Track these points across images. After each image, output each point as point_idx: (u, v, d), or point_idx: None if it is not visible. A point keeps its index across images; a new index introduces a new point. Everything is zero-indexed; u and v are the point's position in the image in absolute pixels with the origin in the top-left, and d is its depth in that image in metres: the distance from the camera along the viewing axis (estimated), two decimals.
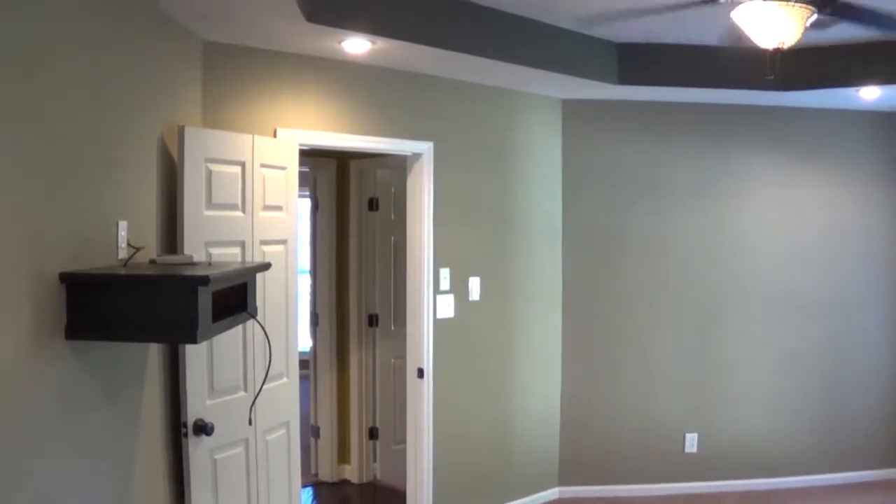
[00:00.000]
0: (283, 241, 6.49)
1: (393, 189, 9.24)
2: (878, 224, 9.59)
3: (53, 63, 3.73)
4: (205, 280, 3.84)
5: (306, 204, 9.92)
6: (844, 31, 7.35)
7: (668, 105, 9.24)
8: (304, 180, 8.08)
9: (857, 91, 8.33)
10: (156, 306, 3.91)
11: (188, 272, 4.05)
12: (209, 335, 4.10)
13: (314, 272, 9.95)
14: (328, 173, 9.76)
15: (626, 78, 8.32)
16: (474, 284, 8.29)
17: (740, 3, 5.28)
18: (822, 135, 9.50)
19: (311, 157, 8.95)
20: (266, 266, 5.20)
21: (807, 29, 5.27)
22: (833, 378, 9.56)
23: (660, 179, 9.30)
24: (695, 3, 5.94)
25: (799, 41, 5.40)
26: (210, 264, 4.86)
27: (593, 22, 7.59)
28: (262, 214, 6.23)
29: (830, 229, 9.52)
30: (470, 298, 8.28)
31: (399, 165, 8.31)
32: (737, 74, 8.20)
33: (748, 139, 9.39)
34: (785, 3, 5.08)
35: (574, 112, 9.19)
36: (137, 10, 4.96)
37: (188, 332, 3.88)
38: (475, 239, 8.34)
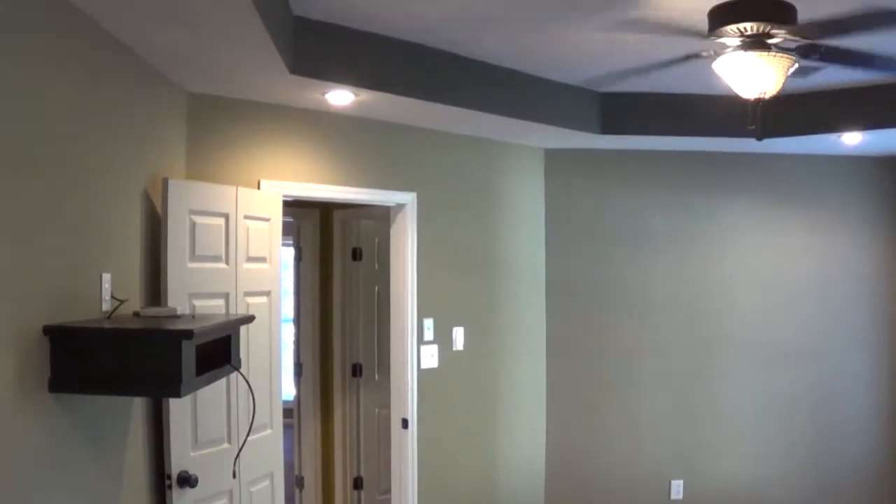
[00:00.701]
0: (267, 293, 6.50)
1: (377, 239, 9.24)
2: (863, 269, 9.60)
3: (35, 116, 3.74)
4: (188, 334, 3.84)
5: (290, 252, 9.92)
6: (825, 77, 7.40)
7: (651, 153, 9.28)
8: (287, 230, 8.09)
9: (840, 136, 8.37)
10: (139, 360, 3.91)
11: (172, 326, 4.05)
12: (193, 389, 4.10)
13: (298, 321, 9.94)
14: (312, 223, 9.78)
15: (608, 128, 8.36)
16: (458, 334, 8.28)
17: (722, 54, 5.31)
18: (805, 180, 9.54)
19: (294, 206, 8.96)
20: (250, 319, 5.20)
21: (788, 77, 5.30)
22: (819, 424, 9.55)
23: (643, 227, 9.33)
24: (678, 60, 5.98)
25: (780, 89, 5.43)
26: (194, 317, 4.85)
27: (578, 78, 7.65)
28: (246, 266, 6.24)
29: (815, 275, 9.53)
30: (454, 348, 8.27)
31: (383, 215, 8.32)
32: (719, 122, 8.25)
33: (731, 186, 9.43)
34: (766, 53, 5.11)
35: (557, 161, 9.23)
36: (121, 62, 4.98)
37: (172, 386, 3.88)
38: (459, 289, 8.35)
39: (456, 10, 5.97)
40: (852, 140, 8.55)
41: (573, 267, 9.24)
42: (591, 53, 7.03)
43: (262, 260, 6.44)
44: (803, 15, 5.38)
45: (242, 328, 5.72)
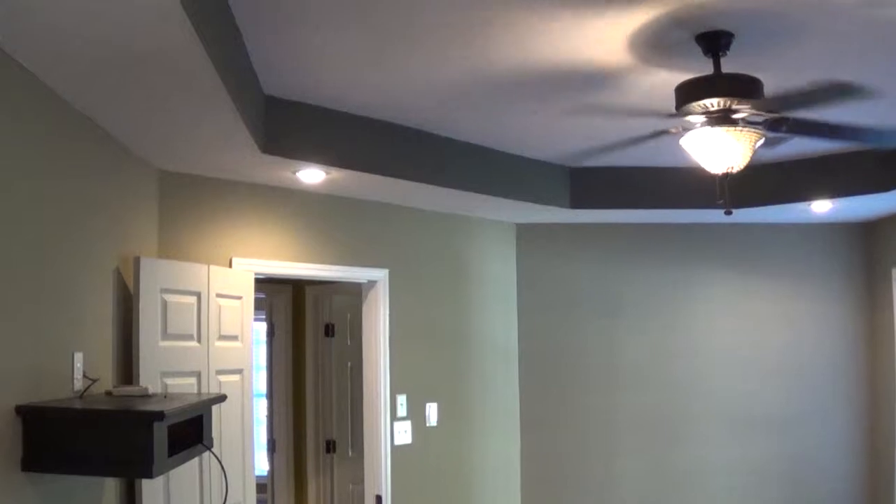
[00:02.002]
0: (240, 371, 6.49)
1: (349, 315, 9.24)
2: (836, 336, 9.63)
3: (5, 196, 3.75)
4: (160, 416, 3.83)
5: (263, 327, 9.91)
6: (794, 147, 7.48)
7: (621, 226, 9.35)
8: (259, 305, 8.09)
9: (809, 205, 8.44)
10: (112, 441, 3.90)
11: (144, 407, 4.05)
12: (165, 469, 4.09)
13: (271, 396, 9.92)
14: (284, 299, 9.79)
15: (578, 202, 8.43)
16: (432, 410, 8.28)
17: (689, 129, 5.34)
18: (776, 249, 9.61)
19: (267, 283, 8.97)
20: (222, 398, 5.19)
21: (755, 150, 5.33)
22: (795, 492, 9.51)
23: (615, 300, 9.37)
24: (647, 137, 6.03)
25: (749, 160, 5.46)
26: (166, 396, 4.85)
27: (548, 155, 7.73)
28: (218, 344, 6.23)
29: (788, 343, 9.56)
30: (427, 424, 8.26)
31: (355, 291, 8.33)
32: (688, 195, 8.32)
33: (702, 257, 9.50)
34: (733, 128, 5.14)
35: (528, 235, 9.29)
36: (93, 141, 5.00)
37: (144, 467, 3.87)
38: (432, 364, 8.35)
39: (425, 89, 6.03)
40: (822, 208, 8.62)
41: (546, 340, 9.27)
42: (560, 132, 7.11)
43: (234, 338, 6.44)
44: (769, 88, 5.45)
45: (215, 406, 5.71)
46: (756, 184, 8.19)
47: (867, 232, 9.65)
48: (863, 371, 9.61)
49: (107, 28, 3.56)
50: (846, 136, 6.32)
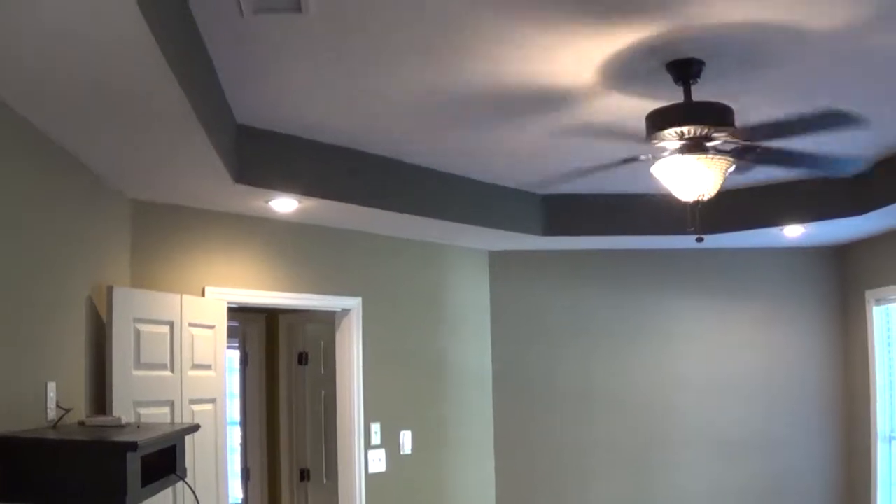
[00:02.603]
0: (213, 400, 6.48)
1: (322, 343, 9.21)
2: (810, 360, 9.66)
3: None
4: (133, 446, 3.82)
5: (236, 354, 9.88)
6: (765, 173, 7.53)
7: (593, 252, 9.38)
8: (233, 333, 8.08)
9: (781, 230, 8.48)
10: (85, 471, 3.88)
11: (117, 437, 4.03)
12: (139, 500, 4.07)
13: (244, 424, 9.88)
14: (257, 327, 9.77)
15: (551, 229, 8.47)
16: (406, 438, 8.26)
17: (660, 157, 5.36)
18: (749, 274, 9.65)
19: (240, 311, 8.94)
20: (195, 428, 5.18)
21: (726, 177, 5.35)
22: None
23: (588, 325, 9.40)
24: (617, 163, 6.04)
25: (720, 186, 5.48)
26: (139, 426, 4.84)
27: (519, 181, 7.76)
28: (191, 373, 6.22)
29: (762, 367, 9.58)
30: (401, 452, 8.25)
31: (328, 319, 8.32)
32: (660, 221, 8.37)
33: (675, 282, 9.54)
34: (704, 156, 5.15)
35: (501, 263, 9.31)
36: (65, 169, 5.00)
37: (118, 497, 3.85)
38: (406, 392, 8.35)
39: (397, 117, 6.06)
40: (794, 233, 8.67)
41: (520, 366, 9.28)
42: (531, 158, 7.14)
43: (207, 367, 6.43)
44: (739, 115, 5.49)
45: (189, 434, 5.70)
46: (728, 209, 8.23)
47: (840, 255, 9.70)
48: (839, 393, 9.64)
49: (82, 63, 3.58)
50: (814, 165, 6.34)
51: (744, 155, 5.49)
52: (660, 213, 8.20)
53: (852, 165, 6.50)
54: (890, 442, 8.89)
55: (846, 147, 6.81)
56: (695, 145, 5.15)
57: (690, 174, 5.20)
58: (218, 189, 6.15)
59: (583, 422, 9.34)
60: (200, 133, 4.69)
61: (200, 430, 5.73)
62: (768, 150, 5.64)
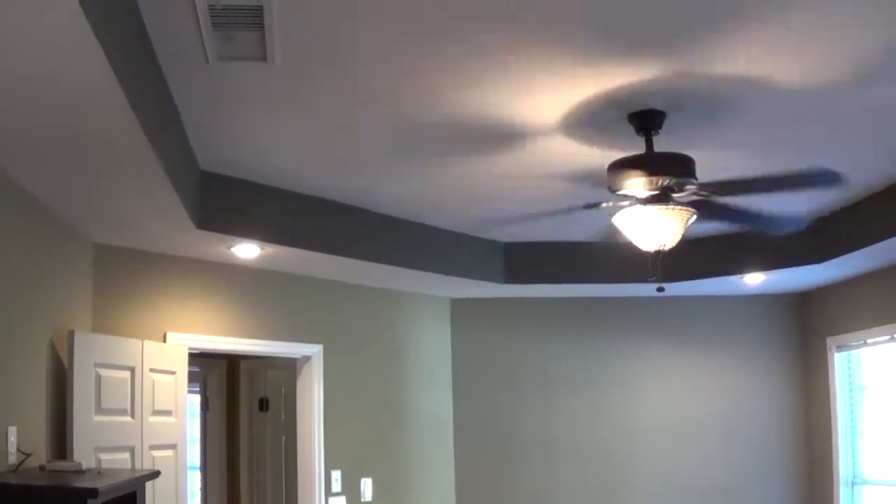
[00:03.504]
0: (173, 446, 6.45)
1: (283, 389, 9.19)
2: (772, 406, 9.67)
3: None
4: (94, 493, 3.81)
5: (197, 399, 9.84)
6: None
7: (555, 300, 9.41)
8: (194, 378, 8.05)
9: (742, 277, 8.54)
10: None
11: (77, 483, 4.02)
12: None
13: (205, 469, 9.83)
14: (219, 373, 9.74)
15: (512, 277, 8.50)
16: (367, 485, 8.24)
17: (621, 206, 5.38)
18: (711, 321, 9.70)
19: (201, 356, 8.92)
20: (156, 474, 5.17)
21: (688, 227, 5.37)
22: None
23: (550, 373, 9.41)
24: (577, 209, 6.07)
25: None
26: (100, 472, 4.81)
27: (480, 226, 7.80)
28: (152, 419, 6.20)
29: (724, 415, 9.60)
30: (362, 500, 8.22)
31: (289, 366, 8.30)
32: (621, 270, 8.40)
33: (636, 329, 9.57)
34: (665, 206, 5.18)
35: (463, 310, 9.33)
36: (27, 213, 5.00)
37: None
38: (367, 439, 8.32)
39: (358, 164, 6.10)
40: (754, 281, 8.74)
41: (481, 414, 9.27)
42: (494, 201, 7.17)
43: (167, 413, 6.40)
44: (701, 166, 5.54)
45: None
46: (689, 258, 8.28)
47: (801, 303, 9.76)
48: (801, 439, 9.67)
49: (48, 109, 3.59)
50: (757, 222, 6.39)
51: (703, 207, 5.52)
52: (621, 261, 8.22)
53: (795, 224, 6.57)
54: (852, 487, 8.94)
55: (789, 206, 6.91)
56: (656, 196, 5.17)
57: (652, 224, 5.21)
58: (180, 235, 6.16)
59: (545, 470, 9.33)
60: (164, 180, 4.71)
61: (161, 475, 5.72)
62: (721, 206, 5.69)
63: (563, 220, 7.24)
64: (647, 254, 5.80)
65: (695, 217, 5.34)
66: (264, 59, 4.24)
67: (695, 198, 5.41)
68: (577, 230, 7.91)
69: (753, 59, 4.45)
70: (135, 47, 3.67)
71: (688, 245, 7.80)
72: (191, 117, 5.12)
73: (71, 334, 5.53)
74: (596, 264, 8.54)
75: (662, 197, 5.18)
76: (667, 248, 5.39)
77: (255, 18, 3.84)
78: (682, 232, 5.33)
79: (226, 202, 6.21)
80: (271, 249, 6.76)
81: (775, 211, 6.12)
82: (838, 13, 4.00)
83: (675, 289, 8.95)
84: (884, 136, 5.79)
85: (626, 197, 5.32)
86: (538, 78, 4.65)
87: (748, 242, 8.27)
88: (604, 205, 5.59)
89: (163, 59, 4.28)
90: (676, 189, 5.16)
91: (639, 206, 5.22)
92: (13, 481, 4.01)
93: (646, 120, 5.18)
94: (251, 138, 5.51)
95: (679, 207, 5.21)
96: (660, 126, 5.22)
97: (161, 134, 4.41)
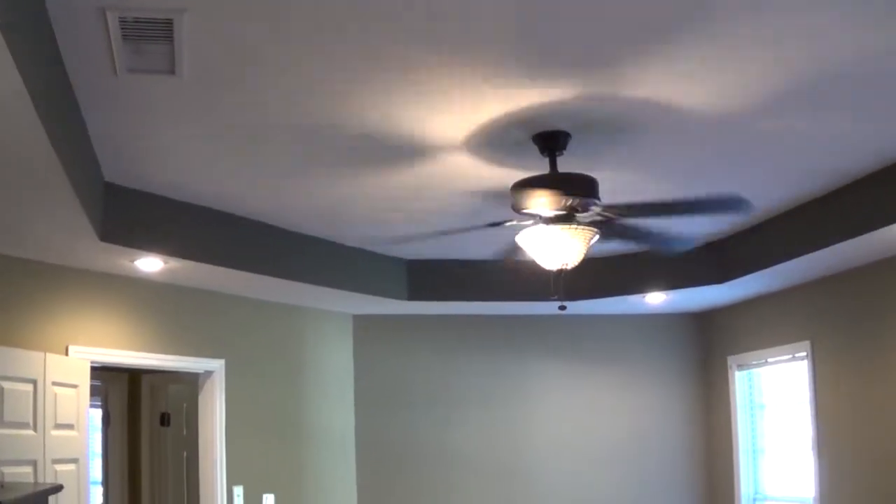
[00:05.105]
0: (76, 460, 6.39)
1: (185, 404, 9.13)
2: (673, 424, 9.84)
3: None
4: None
5: (98, 413, 9.74)
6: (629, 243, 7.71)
7: (459, 318, 9.46)
8: (95, 392, 7.98)
9: (644, 297, 8.65)
10: None
11: None
12: None
13: (106, 484, 9.73)
14: (120, 387, 9.66)
15: (415, 294, 8.54)
16: (269, 501, 8.21)
17: (524, 225, 5.43)
18: (613, 340, 9.82)
19: (103, 370, 8.84)
20: (58, 488, 5.13)
21: (590, 246, 5.42)
22: None
23: (453, 390, 9.45)
24: (479, 227, 6.10)
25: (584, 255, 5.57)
26: (2, 486, 4.78)
27: (384, 242, 7.83)
28: (55, 433, 6.15)
29: (625, 432, 9.73)
30: None
31: (191, 381, 8.26)
32: (524, 287, 8.46)
33: (539, 347, 9.65)
34: (568, 226, 5.23)
35: (365, 327, 9.35)
36: None
37: None
38: (269, 455, 8.30)
39: (262, 180, 6.12)
40: (656, 300, 8.86)
41: (383, 430, 9.28)
42: (398, 222, 7.22)
43: (70, 427, 6.35)
44: (605, 186, 5.62)
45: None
46: (591, 277, 8.38)
47: (703, 322, 9.92)
48: (702, 457, 9.82)
49: None
50: (664, 243, 6.48)
51: (606, 227, 5.59)
52: (524, 279, 8.27)
53: (683, 244, 6.69)
54: (754, 503, 9.08)
55: (689, 227, 7.02)
56: (559, 216, 5.22)
57: (555, 244, 5.26)
58: (83, 247, 6.11)
59: (446, 486, 9.35)
60: (69, 191, 4.68)
61: (64, 490, 5.68)
62: (626, 227, 5.76)
63: (467, 238, 7.28)
64: (549, 272, 5.85)
65: (597, 237, 5.41)
66: (172, 72, 4.25)
67: (598, 218, 5.48)
68: (481, 248, 7.97)
69: (658, 83, 4.53)
70: (44, 57, 3.66)
71: (591, 264, 7.89)
72: (98, 129, 5.09)
73: None
74: (499, 282, 8.60)
75: (565, 217, 5.24)
76: (569, 267, 5.44)
77: (165, 31, 3.84)
78: (584, 251, 5.39)
79: (131, 215, 6.18)
80: (175, 263, 6.73)
81: (670, 231, 6.21)
82: (742, 46, 4.11)
83: (577, 307, 9.04)
84: (784, 161, 5.95)
85: (529, 216, 5.37)
86: (445, 96, 4.70)
87: (650, 262, 8.39)
88: (507, 223, 5.63)
89: (71, 70, 4.26)
90: (580, 209, 5.21)
91: (542, 226, 5.27)
92: None
93: (550, 141, 5.25)
94: (157, 151, 5.49)
95: (582, 227, 5.27)
96: (564, 147, 5.29)
97: (67, 145, 4.39)
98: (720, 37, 4.02)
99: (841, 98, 4.89)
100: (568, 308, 8.85)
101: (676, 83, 4.56)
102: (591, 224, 5.41)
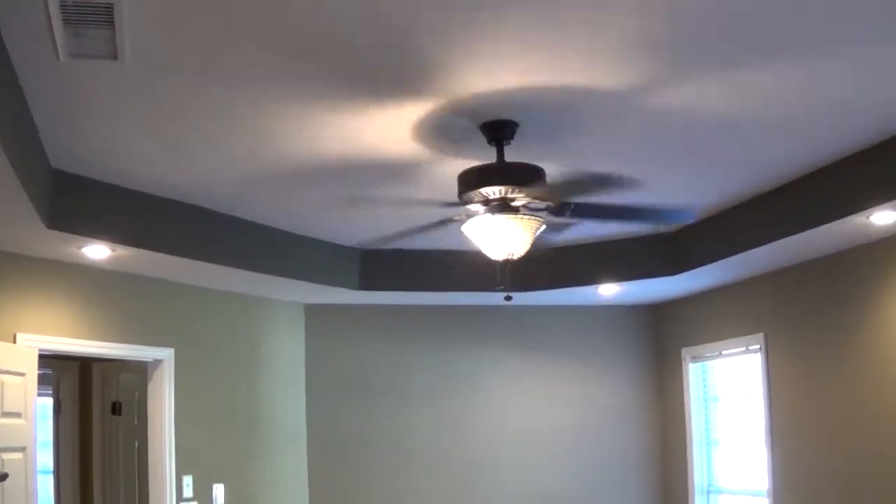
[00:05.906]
0: (23, 449, 6.36)
1: (136, 393, 9.08)
2: (626, 415, 9.88)
3: None
4: None
5: (49, 401, 9.69)
6: (581, 232, 7.74)
7: (411, 308, 9.47)
8: (46, 380, 7.94)
9: (597, 288, 8.68)
10: None
11: None
12: None
13: (57, 474, 9.68)
14: (71, 375, 9.61)
15: (367, 283, 8.54)
16: (219, 491, 8.19)
17: (471, 214, 5.41)
18: (566, 331, 9.85)
19: (53, 358, 8.81)
20: (3, 477, 5.11)
21: (541, 235, 5.42)
22: None
23: (404, 380, 9.47)
24: (433, 225, 6.09)
25: (537, 243, 5.57)
26: None
27: (336, 231, 7.82)
28: (1, 421, 6.11)
29: (576, 423, 9.76)
30: None
31: (142, 370, 8.23)
32: (475, 278, 8.43)
33: (492, 338, 9.67)
34: (513, 216, 5.23)
35: (317, 316, 9.34)
36: None
37: None
38: (219, 444, 8.28)
39: (212, 171, 6.12)
40: (609, 291, 8.89)
41: (335, 420, 9.28)
42: (349, 219, 7.26)
43: (17, 415, 6.31)
44: (554, 175, 5.63)
45: None
46: (542, 267, 8.39)
47: (657, 314, 9.98)
48: (656, 448, 9.87)
49: None
50: (632, 217, 6.50)
51: (557, 213, 5.58)
52: (474, 269, 8.24)
53: (668, 217, 6.71)
54: (707, 495, 9.15)
55: (659, 200, 7.02)
56: (505, 205, 5.22)
57: (500, 233, 5.26)
58: (29, 234, 6.06)
59: (398, 477, 9.35)
60: (12, 177, 4.65)
61: (10, 478, 5.66)
62: (582, 206, 5.74)
63: (418, 233, 7.29)
64: (496, 263, 5.84)
65: (544, 227, 5.40)
66: (115, 57, 4.22)
67: (548, 205, 5.48)
68: (432, 239, 7.94)
69: (583, 66, 4.51)
70: None
71: (541, 255, 7.89)
72: (43, 115, 5.06)
73: None
74: (451, 272, 8.60)
75: (511, 206, 5.24)
76: (515, 256, 5.44)
77: (107, 16, 3.81)
78: (530, 241, 5.39)
79: (77, 201, 6.14)
80: (122, 251, 6.70)
81: (670, 205, 6.22)
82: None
83: (529, 298, 9.06)
84: (738, 152, 5.96)
85: (475, 207, 5.37)
86: (389, 92, 4.72)
87: (603, 253, 8.41)
88: (457, 218, 5.61)
89: (13, 52, 4.22)
90: (525, 198, 5.22)
91: (487, 216, 5.27)
92: None
93: (497, 130, 5.24)
94: (103, 137, 5.45)
95: (528, 217, 5.27)
96: (511, 136, 5.28)
97: (11, 132, 4.36)
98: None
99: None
100: (521, 299, 8.87)
101: (597, 67, 4.53)
102: (540, 212, 5.41)
